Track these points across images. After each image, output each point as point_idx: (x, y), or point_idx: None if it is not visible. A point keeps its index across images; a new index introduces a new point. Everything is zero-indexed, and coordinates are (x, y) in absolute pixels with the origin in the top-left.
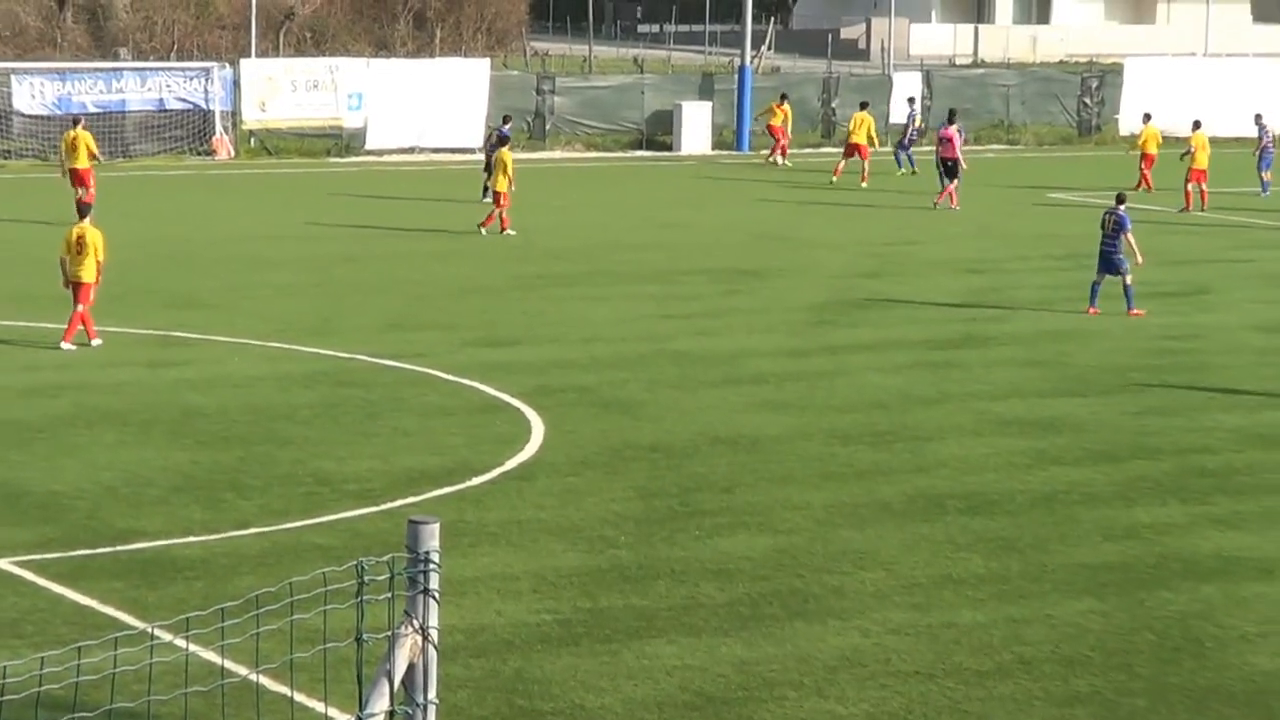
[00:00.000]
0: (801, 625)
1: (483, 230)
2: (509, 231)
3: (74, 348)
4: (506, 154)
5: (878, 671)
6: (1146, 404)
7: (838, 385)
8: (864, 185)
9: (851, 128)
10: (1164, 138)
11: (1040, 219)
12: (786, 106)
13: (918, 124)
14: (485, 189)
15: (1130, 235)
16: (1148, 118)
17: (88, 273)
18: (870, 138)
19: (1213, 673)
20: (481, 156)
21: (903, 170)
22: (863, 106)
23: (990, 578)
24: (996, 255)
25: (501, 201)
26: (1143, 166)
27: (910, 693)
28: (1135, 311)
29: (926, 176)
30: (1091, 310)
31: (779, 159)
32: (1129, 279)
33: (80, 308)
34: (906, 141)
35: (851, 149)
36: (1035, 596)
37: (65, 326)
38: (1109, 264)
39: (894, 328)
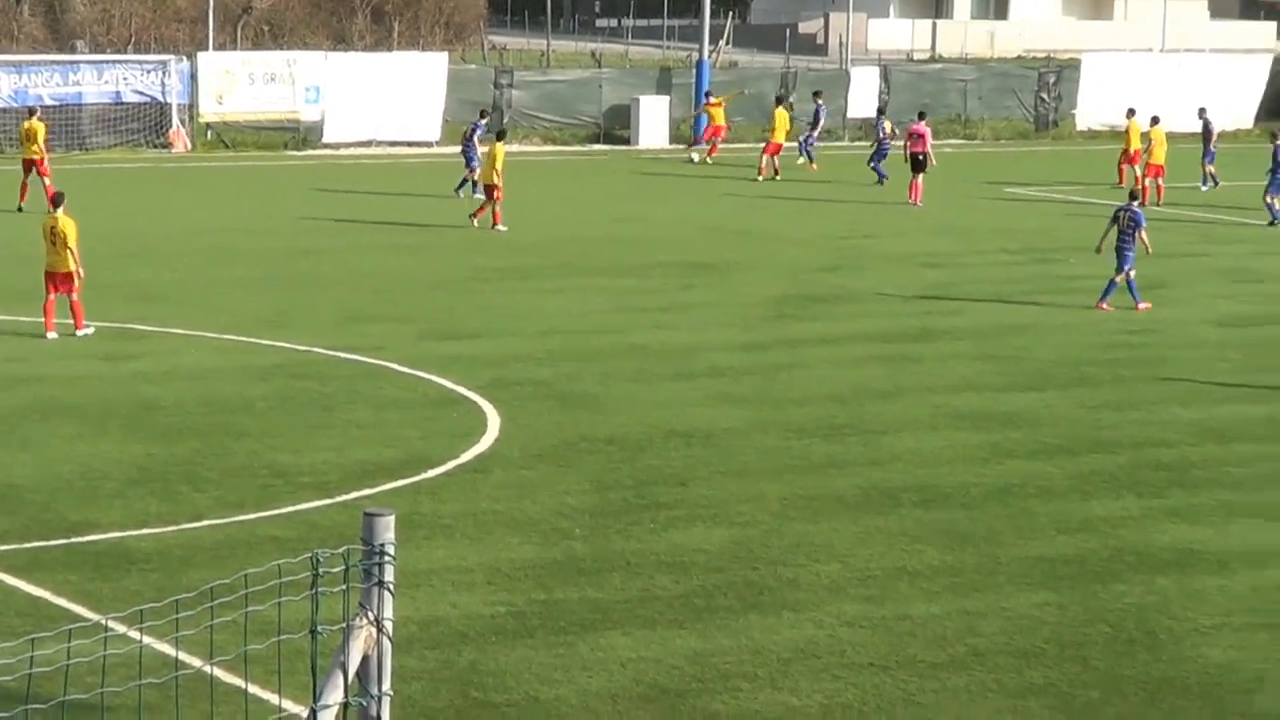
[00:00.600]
0: (756, 617)
1: (474, 221)
2: (500, 227)
3: (90, 330)
4: (500, 148)
5: (832, 663)
6: (1103, 398)
7: (794, 378)
8: (760, 179)
9: (774, 125)
10: (1117, 133)
11: (997, 213)
12: (720, 100)
13: (822, 121)
14: (463, 181)
15: (1144, 232)
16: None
17: (64, 263)
18: (787, 134)
19: (1167, 665)
20: (458, 150)
21: (802, 161)
22: (778, 102)
23: (945, 570)
24: (953, 249)
25: (495, 195)
26: (1127, 165)
27: (864, 684)
28: (1104, 306)
29: (863, 171)
30: (1141, 306)
31: (694, 156)
32: (1121, 277)
33: (73, 296)
34: (814, 137)
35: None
36: (990, 589)
37: (65, 319)
38: (1123, 260)
39: (850, 321)
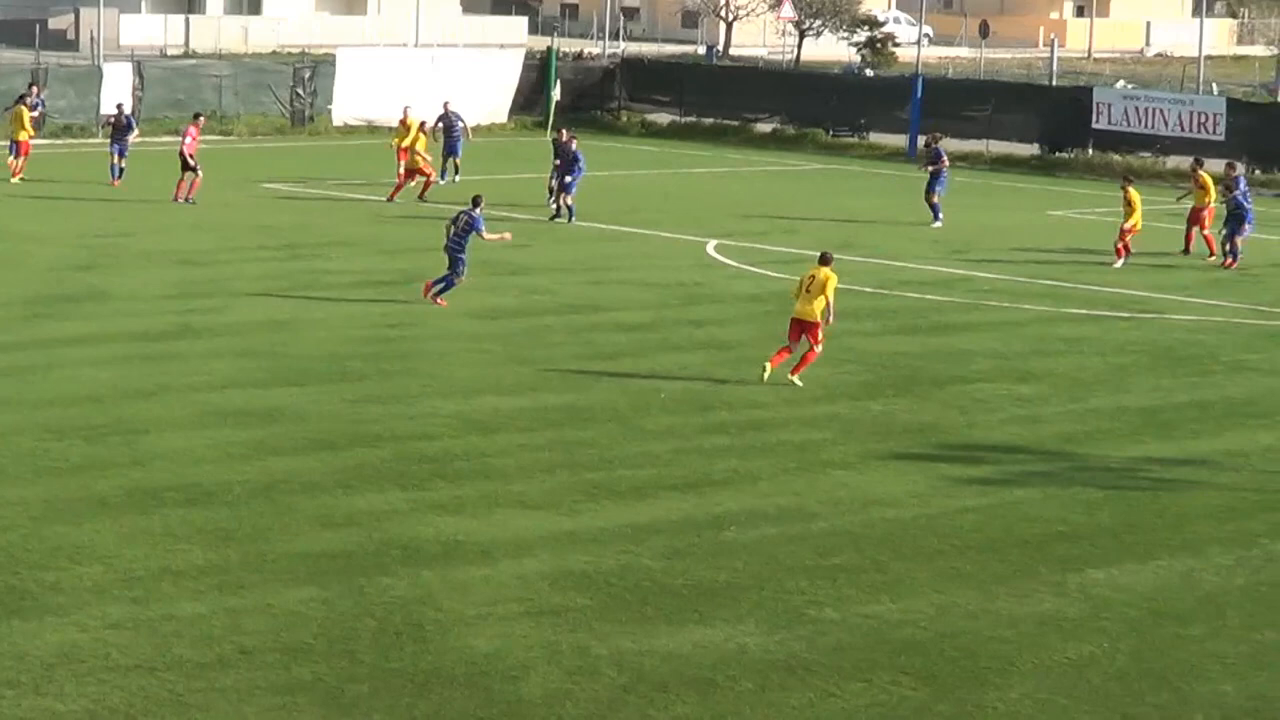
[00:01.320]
0: (18, 623)
1: None
2: None
3: None
4: None
5: (96, 667)
6: (365, 392)
7: (51, 379)
8: (16, 180)
9: (19, 123)
10: (374, 128)
11: (255, 210)
12: None
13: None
14: None
15: (486, 233)
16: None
17: None
18: (26, 129)
19: (434, 656)
20: None
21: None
22: (19, 100)
23: (210, 569)
24: (212, 246)
25: None
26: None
27: (130, 687)
28: (440, 302)
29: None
30: (438, 301)
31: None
32: (464, 279)
33: None
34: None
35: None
36: (255, 586)
37: None
38: (455, 263)
39: (108, 320)
